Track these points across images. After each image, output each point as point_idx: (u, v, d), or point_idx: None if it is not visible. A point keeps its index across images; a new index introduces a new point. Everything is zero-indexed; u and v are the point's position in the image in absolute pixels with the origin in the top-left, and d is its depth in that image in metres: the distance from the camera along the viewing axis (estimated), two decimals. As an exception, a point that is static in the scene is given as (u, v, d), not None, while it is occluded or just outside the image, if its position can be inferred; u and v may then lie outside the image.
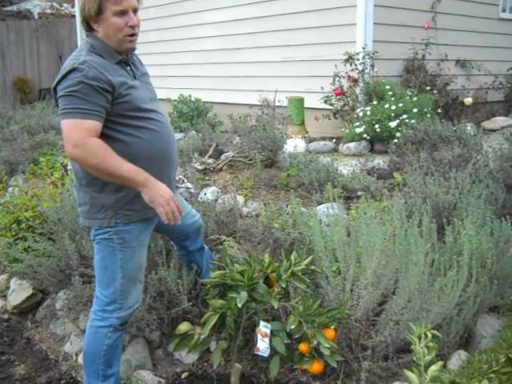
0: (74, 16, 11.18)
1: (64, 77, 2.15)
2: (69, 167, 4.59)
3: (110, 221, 2.31)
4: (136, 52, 2.46)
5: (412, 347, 2.06)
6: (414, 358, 2.06)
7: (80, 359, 2.97)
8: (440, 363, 1.98)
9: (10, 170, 5.70)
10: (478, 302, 2.51)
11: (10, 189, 4.89)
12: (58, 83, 2.17)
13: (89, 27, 2.28)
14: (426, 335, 2.07)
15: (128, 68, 2.34)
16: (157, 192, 2.17)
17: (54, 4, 14.31)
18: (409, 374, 1.98)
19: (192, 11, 7.37)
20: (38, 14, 14.22)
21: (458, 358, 2.43)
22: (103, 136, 2.17)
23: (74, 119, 2.12)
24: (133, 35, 2.26)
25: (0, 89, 11.56)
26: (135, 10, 2.26)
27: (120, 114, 2.23)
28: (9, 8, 15.25)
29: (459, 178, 3.28)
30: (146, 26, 7.48)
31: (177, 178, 2.77)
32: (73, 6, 12.39)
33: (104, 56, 2.24)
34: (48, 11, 13.62)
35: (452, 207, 3.06)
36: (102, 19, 2.21)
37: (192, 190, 4.01)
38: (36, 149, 6.09)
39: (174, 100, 6.68)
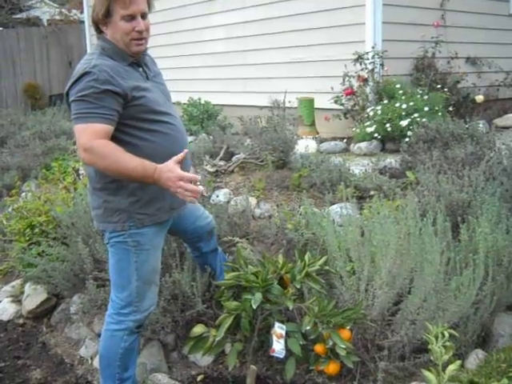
0: (82, 22, 11.24)
1: (76, 81, 2.15)
2: (81, 172, 4.62)
3: (123, 224, 2.31)
4: (146, 55, 2.46)
5: (429, 347, 2.05)
6: (432, 358, 2.05)
7: (95, 363, 2.98)
8: (458, 362, 1.96)
9: (22, 175, 5.74)
10: (494, 300, 2.49)
11: (23, 194, 4.92)
12: (70, 87, 2.18)
13: (98, 30, 2.29)
14: (443, 335, 2.05)
15: (140, 69, 2.34)
16: (165, 183, 2.09)
17: (63, 10, 14.43)
18: (427, 373, 1.96)
19: (200, 14, 7.38)
20: (47, 20, 14.35)
21: (475, 358, 2.41)
22: (116, 140, 2.17)
23: (85, 124, 2.12)
24: (141, 39, 2.26)
25: (11, 95, 11.65)
26: (144, 15, 2.25)
27: (134, 117, 2.24)
28: (18, 15, 15.41)
29: (473, 175, 3.25)
30: (154, 30, 7.49)
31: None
32: (81, 12, 12.47)
33: (115, 58, 2.24)
34: (57, 18, 13.72)
35: (466, 205, 3.03)
36: (110, 22, 2.22)
37: (204, 194, 4.00)
38: (48, 154, 6.13)
39: (184, 103, 6.69)
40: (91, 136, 2.10)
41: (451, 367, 1.95)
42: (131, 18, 2.21)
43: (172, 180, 2.06)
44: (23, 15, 15.42)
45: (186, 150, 2.16)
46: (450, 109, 5.32)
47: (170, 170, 2.07)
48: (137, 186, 2.28)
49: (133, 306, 2.39)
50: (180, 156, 2.12)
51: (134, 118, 2.24)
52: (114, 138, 2.17)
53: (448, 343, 2.03)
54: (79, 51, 11.23)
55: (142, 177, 2.11)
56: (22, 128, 7.54)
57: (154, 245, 2.41)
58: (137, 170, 2.09)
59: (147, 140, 2.26)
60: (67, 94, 2.21)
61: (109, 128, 2.14)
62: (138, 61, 2.34)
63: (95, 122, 2.11)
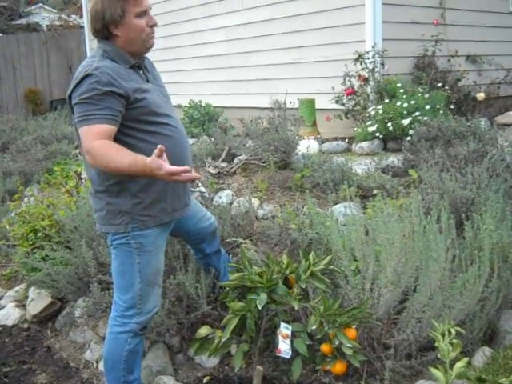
0: (82, 27, 11.26)
1: (78, 84, 2.15)
2: (83, 175, 4.61)
3: (126, 226, 2.31)
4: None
5: (436, 344, 2.04)
6: (439, 356, 2.04)
7: (101, 366, 2.97)
8: (465, 359, 1.96)
9: (24, 180, 5.75)
10: (500, 297, 2.48)
11: (26, 199, 4.91)
12: (73, 90, 2.18)
13: (108, 34, 2.26)
14: (450, 332, 2.04)
15: (141, 72, 2.35)
16: (160, 177, 2.04)
17: (63, 16, 14.45)
18: (434, 371, 1.96)
19: (200, 17, 7.39)
20: (47, 26, 14.37)
21: (482, 355, 2.40)
22: (118, 142, 2.16)
23: (88, 126, 2.12)
24: (153, 33, 2.30)
25: (12, 101, 11.66)
26: (150, 9, 2.29)
27: (135, 118, 2.24)
28: (18, 22, 15.44)
29: (476, 172, 3.24)
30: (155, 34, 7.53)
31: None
32: (81, 17, 12.50)
33: (117, 61, 2.25)
34: (57, 23, 13.75)
35: (470, 202, 3.03)
36: (123, 23, 2.22)
37: (206, 195, 4.01)
38: (50, 159, 6.15)
39: (185, 106, 6.69)
40: (93, 137, 2.10)
41: (459, 364, 1.95)
42: (144, 13, 2.24)
43: (164, 177, 2.02)
44: (23, 21, 15.44)
45: (187, 167, 2.09)
46: (452, 107, 5.31)
47: (157, 167, 2.00)
48: (139, 188, 2.28)
49: (136, 308, 2.38)
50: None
51: (136, 120, 2.25)
52: (116, 141, 2.17)
53: (455, 340, 2.03)
54: (79, 56, 11.25)
55: (140, 172, 2.06)
56: (24, 133, 7.55)
57: (157, 246, 2.40)
58: (132, 166, 2.05)
59: (149, 142, 2.25)
60: (70, 96, 2.21)
61: (111, 128, 2.14)
62: (138, 64, 2.34)
63: (98, 123, 2.11)
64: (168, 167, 1.99)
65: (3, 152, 6.87)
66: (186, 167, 2.02)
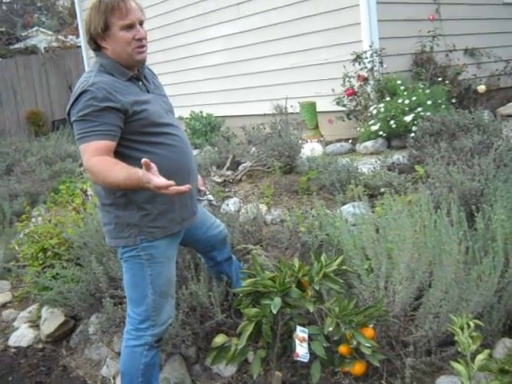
0: (79, 47, 11.33)
1: (75, 101, 2.15)
2: (89, 192, 4.62)
3: (135, 239, 2.30)
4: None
5: (455, 338, 2.01)
6: (459, 349, 2.01)
7: (118, 382, 2.95)
8: (487, 351, 1.92)
9: (31, 201, 5.76)
10: (517, 287, 2.45)
11: (33, 219, 4.92)
12: (71, 107, 2.18)
13: (97, 46, 2.28)
14: (469, 325, 2.01)
15: (140, 83, 2.33)
16: (152, 188, 1.96)
17: (60, 37, 14.57)
18: (456, 365, 1.93)
19: (197, 28, 7.40)
20: (45, 48, 14.47)
21: (503, 346, 2.36)
22: (121, 155, 2.16)
23: (87, 143, 2.12)
24: (142, 47, 2.25)
25: (14, 124, 11.71)
26: (141, 23, 2.26)
27: (137, 131, 2.23)
28: (16, 46, 15.57)
29: (483, 164, 3.22)
30: (152, 48, 7.54)
31: (202, 188, 2.75)
32: (77, 37, 12.58)
33: (114, 74, 2.24)
34: (54, 44, 13.85)
35: (479, 194, 3.00)
36: (109, 35, 2.21)
37: (214, 203, 3.99)
38: (55, 178, 6.15)
39: (186, 117, 6.69)
40: (91, 154, 2.09)
41: (480, 357, 1.92)
42: (130, 27, 2.21)
43: (154, 190, 1.96)
44: (21, 45, 15.56)
45: (188, 186, 2.00)
46: (453, 101, 5.29)
47: (147, 181, 1.95)
48: (145, 200, 2.27)
49: (150, 321, 2.36)
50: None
51: (138, 133, 2.23)
52: (119, 154, 2.16)
53: (474, 333, 2.00)
54: (78, 75, 11.22)
55: (135, 185, 2.01)
56: (27, 154, 7.56)
57: (168, 257, 2.39)
58: (126, 180, 2.02)
59: (152, 153, 2.23)
60: (68, 114, 2.21)
61: (110, 143, 2.13)
62: (137, 75, 2.33)
63: (96, 140, 2.10)
64: (155, 181, 1.93)
65: (8, 174, 6.89)
66: (171, 182, 1.93)
